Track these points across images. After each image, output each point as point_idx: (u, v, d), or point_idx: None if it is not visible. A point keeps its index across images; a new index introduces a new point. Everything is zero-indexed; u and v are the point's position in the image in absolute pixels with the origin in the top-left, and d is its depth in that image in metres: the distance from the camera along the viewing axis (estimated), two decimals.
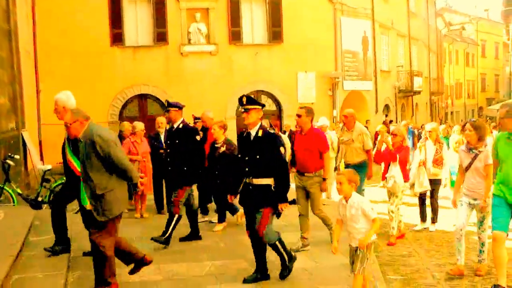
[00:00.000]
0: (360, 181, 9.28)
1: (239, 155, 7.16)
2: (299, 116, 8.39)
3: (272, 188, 6.66)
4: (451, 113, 59.77)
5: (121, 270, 6.91)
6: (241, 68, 24.22)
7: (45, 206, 11.66)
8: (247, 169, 6.86)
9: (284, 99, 25.06)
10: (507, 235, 6.65)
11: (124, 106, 23.16)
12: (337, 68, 26.48)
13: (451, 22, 57.24)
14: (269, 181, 6.69)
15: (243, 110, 6.84)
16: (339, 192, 6.00)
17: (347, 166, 9.98)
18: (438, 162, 10.12)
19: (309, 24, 25.02)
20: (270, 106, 25.16)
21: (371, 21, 29.61)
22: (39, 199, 11.71)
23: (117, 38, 23.10)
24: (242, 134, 7.12)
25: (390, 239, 9.24)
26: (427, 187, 10.10)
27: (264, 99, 25.12)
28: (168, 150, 9.38)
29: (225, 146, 9.73)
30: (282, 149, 6.68)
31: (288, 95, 25.05)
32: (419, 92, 37.45)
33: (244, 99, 6.88)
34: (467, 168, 7.33)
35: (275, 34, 24.87)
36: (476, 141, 7.20)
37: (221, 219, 10.09)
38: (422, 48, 41.08)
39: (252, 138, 6.85)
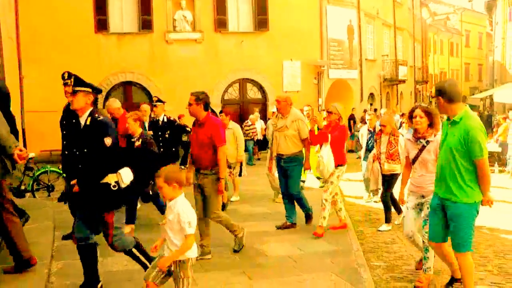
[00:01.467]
0: (296, 175, 9.05)
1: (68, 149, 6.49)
2: (189, 104, 7.33)
3: (112, 187, 5.59)
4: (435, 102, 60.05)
5: (106, 259, 6.91)
6: (226, 56, 24.12)
7: (28, 194, 11.61)
8: (80, 166, 5.70)
9: (270, 87, 25.02)
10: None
11: (108, 94, 23.01)
12: (323, 57, 26.48)
13: (436, 12, 57.47)
14: (108, 179, 5.61)
15: (70, 92, 5.72)
16: (163, 197, 5.07)
17: (280, 158, 9.09)
18: (393, 156, 9.19)
19: (295, 13, 24.97)
20: (255, 94, 25.17)
21: (356, 10, 29.59)
22: (22, 187, 11.65)
23: (101, 25, 22.88)
24: (67, 122, 6.28)
25: (317, 230, 8.46)
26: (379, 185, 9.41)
27: (249, 87, 25.12)
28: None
29: (140, 140, 8.67)
30: (107, 139, 5.52)
31: (274, 83, 25.01)
32: (404, 81, 37.58)
33: (66, 75, 6.00)
34: (414, 160, 6.51)
35: (261, 22, 24.80)
36: (426, 129, 6.37)
37: (130, 220, 8.85)
38: (407, 38, 41.18)
39: (81, 127, 5.66)
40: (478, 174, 5.39)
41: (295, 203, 9.24)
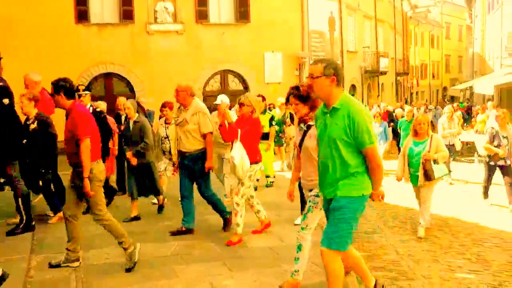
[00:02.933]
0: (201, 177, 8.10)
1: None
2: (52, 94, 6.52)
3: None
4: (416, 93, 60.40)
5: (88, 253, 6.90)
6: (207, 47, 24.03)
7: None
8: None
9: (251, 79, 24.99)
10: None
11: (89, 85, 22.84)
12: (304, 48, 26.48)
13: (417, 4, 57.59)
14: None
15: None
16: None
17: (183, 156, 8.11)
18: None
19: (276, 4, 24.93)
20: (237, 85, 25.12)
21: (338, 2, 29.66)
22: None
23: (82, 15, 22.64)
24: None
25: (232, 238, 7.58)
26: None
27: (231, 79, 25.08)
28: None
29: (36, 122, 8.07)
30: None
31: (255, 75, 24.99)
32: (385, 73, 37.77)
33: None
34: (300, 148, 5.86)
35: (242, 13, 24.73)
36: (306, 113, 5.73)
37: (54, 209, 8.84)
38: (388, 30, 41.34)
39: None
40: (369, 165, 4.68)
41: (192, 207, 8.23)
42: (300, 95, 5.67)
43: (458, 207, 10.59)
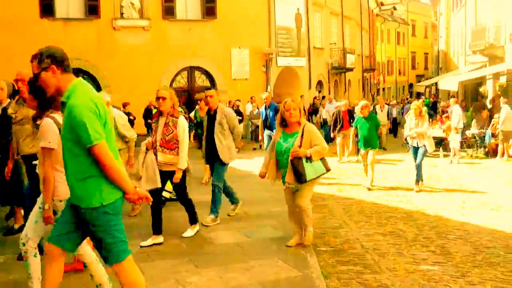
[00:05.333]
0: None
1: None
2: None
3: None
4: (383, 89, 60.98)
5: None
6: (174, 43, 23.92)
7: None
8: None
9: (218, 75, 24.94)
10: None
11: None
12: (271, 45, 26.54)
13: (383, 2, 58.10)
14: None
15: None
16: None
17: (24, 159, 7.12)
18: (170, 144, 7.23)
19: (243, 0, 24.95)
20: (204, 82, 25.05)
21: None
22: None
23: (47, 9, 22.33)
24: None
25: None
26: (157, 183, 7.13)
27: (198, 75, 25.01)
28: None
29: None
30: None
31: (222, 71, 24.96)
32: (351, 69, 38.05)
33: None
34: None
35: (209, 9, 24.67)
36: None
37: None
38: (355, 27, 41.66)
39: None
40: (99, 167, 3.96)
41: None
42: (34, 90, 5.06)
43: (422, 201, 10.73)
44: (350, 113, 17.17)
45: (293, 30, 28.78)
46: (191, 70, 24.82)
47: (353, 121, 16.76)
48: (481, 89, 25.43)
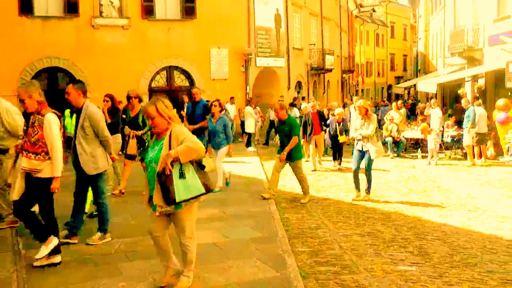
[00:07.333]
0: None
1: None
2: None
3: None
4: (362, 90, 61.28)
5: (30, 252, 6.76)
6: (154, 43, 23.78)
7: None
8: None
9: (197, 75, 24.84)
10: None
11: (33, 79, 22.30)
12: (250, 45, 26.52)
13: (362, 4, 58.45)
14: None
15: None
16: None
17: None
18: (35, 148, 6.35)
19: (222, 0, 24.89)
20: (183, 82, 24.97)
21: None
22: None
23: (25, 7, 22.04)
24: None
25: None
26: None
27: (177, 75, 24.91)
28: None
29: None
30: None
31: (201, 71, 24.87)
32: (330, 70, 38.16)
33: None
34: None
35: (188, 9, 24.56)
36: None
37: None
38: (334, 28, 41.80)
39: None
40: None
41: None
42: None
43: (401, 202, 10.81)
44: (321, 115, 16.41)
45: (273, 30, 28.80)
46: (170, 69, 24.70)
47: (324, 124, 16.58)
48: (460, 91, 25.65)
